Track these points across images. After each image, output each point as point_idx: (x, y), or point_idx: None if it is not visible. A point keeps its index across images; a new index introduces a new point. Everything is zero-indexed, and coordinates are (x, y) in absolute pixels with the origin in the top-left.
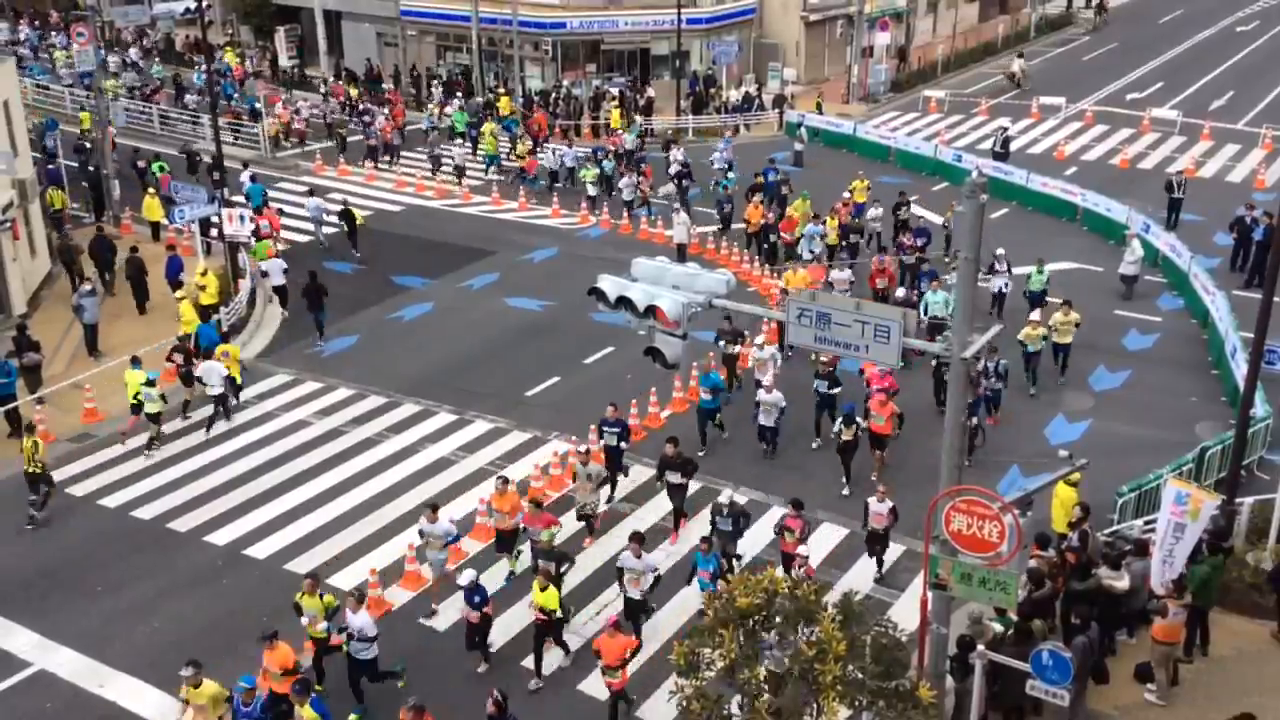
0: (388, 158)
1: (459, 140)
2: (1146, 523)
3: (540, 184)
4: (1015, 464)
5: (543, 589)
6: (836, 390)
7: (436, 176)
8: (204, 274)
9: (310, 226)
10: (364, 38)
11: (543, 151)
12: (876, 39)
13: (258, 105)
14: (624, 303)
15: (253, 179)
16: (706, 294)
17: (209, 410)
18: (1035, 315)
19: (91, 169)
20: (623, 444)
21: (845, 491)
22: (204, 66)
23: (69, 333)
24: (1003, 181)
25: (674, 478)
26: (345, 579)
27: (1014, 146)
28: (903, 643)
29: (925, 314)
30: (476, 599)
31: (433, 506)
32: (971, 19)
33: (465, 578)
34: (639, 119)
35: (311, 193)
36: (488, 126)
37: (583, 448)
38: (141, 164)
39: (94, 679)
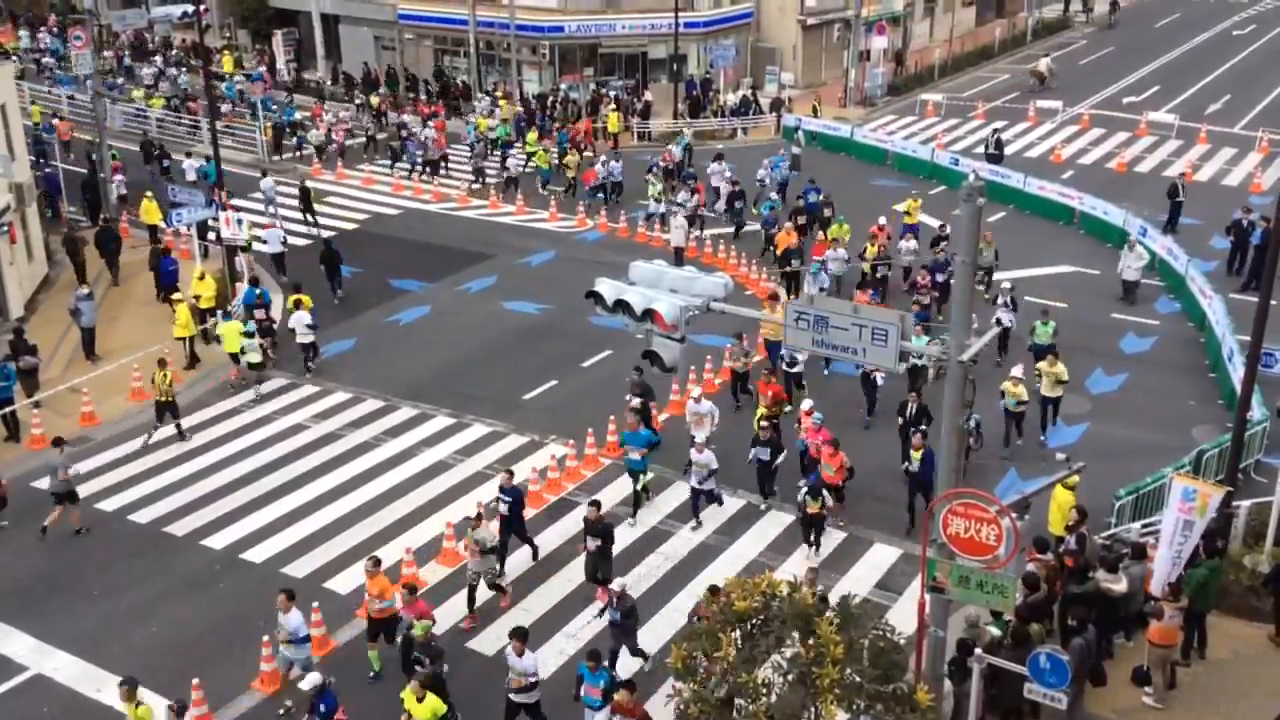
0: (431, 170)
1: (514, 151)
2: (1144, 526)
3: (599, 195)
4: (1013, 467)
5: (419, 698)
6: (779, 459)
7: (487, 191)
8: (201, 278)
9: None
10: (361, 41)
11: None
12: (873, 43)
13: (297, 117)
14: (622, 306)
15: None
16: (704, 297)
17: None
18: (1018, 370)
19: (86, 172)
20: (515, 514)
21: (813, 562)
22: (239, 78)
23: (66, 336)
24: (1000, 185)
25: (593, 543)
26: (342, 583)
27: (1011, 150)
28: (900, 646)
29: None
30: (323, 708)
31: (287, 594)
32: (968, 23)
33: (309, 682)
34: (686, 131)
35: (264, 174)
36: (531, 136)
37: (474, 510)
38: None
39: (91, 683)
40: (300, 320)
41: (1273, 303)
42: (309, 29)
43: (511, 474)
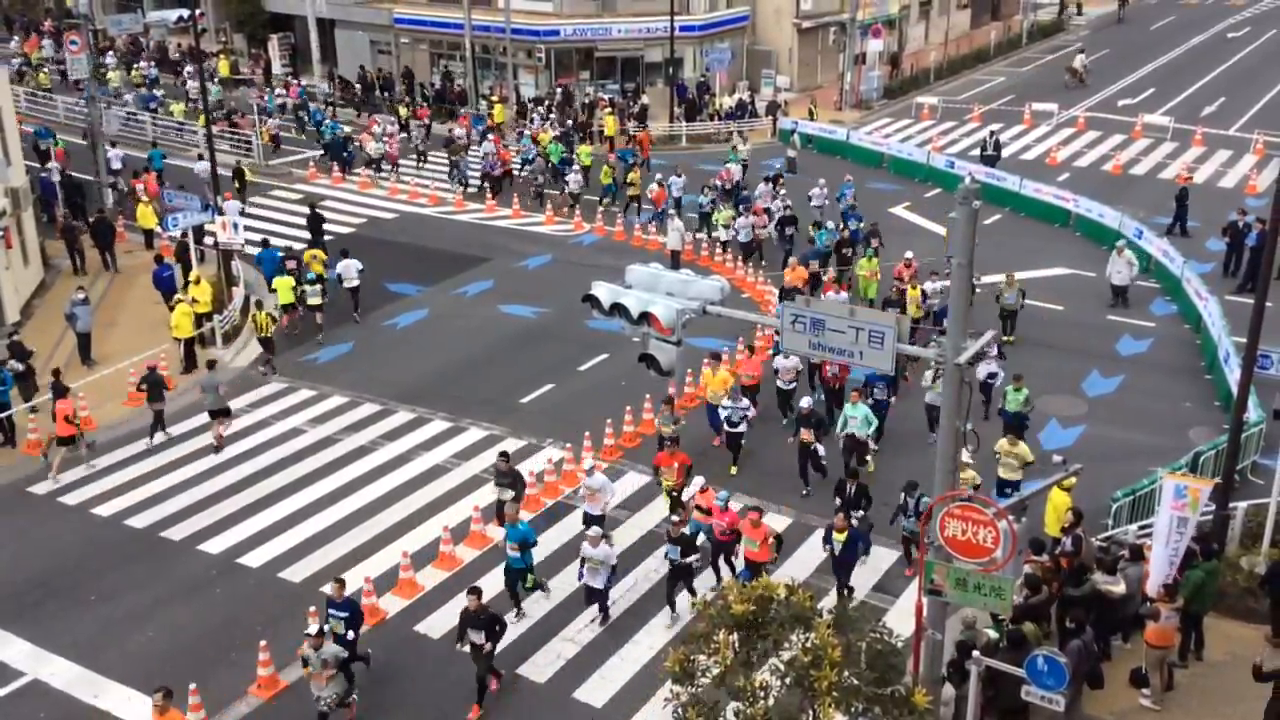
0: (493, 189)
1: (576, 170)
2: (1141, 528)
3: (664, 217)
4: None
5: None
6: (692, 558)
7: (548, 211)
8: (197, 282)
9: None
10: (357, 45)
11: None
12: (869, 46)
13: (342, 131)
14: (618, 309)
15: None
16: (701, 300)
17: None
18: (967, 455)
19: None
20: (351, 632)
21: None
22: (280, 90)
23: (62, 341)
24: (996, 187)
25: (477, 637)
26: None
27: (1007, 152)
28: (898, 649)
29: (841, 429)
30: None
31: (339, 582)
32: (963, 26)
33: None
34: (742, 146)
35: (201, 158)
36: (584, 149)
37: (311, 628)
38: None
39: (88, 689)
40: (351, 267)
41: (1268, 304)
42: (304, 33)
43: (341, 582)
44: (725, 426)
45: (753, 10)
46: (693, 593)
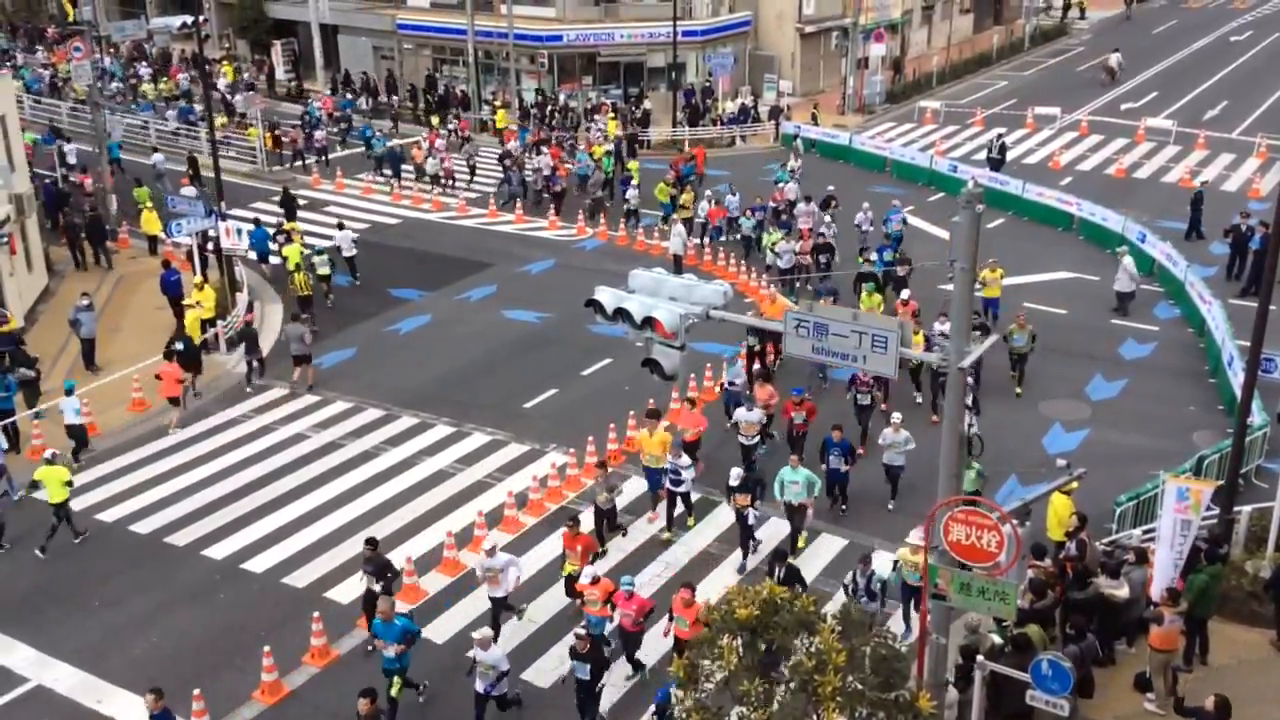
0: (556, 207)
1: (634, 186)
2: (1145, 532)
3: (720, 237)
4: (1013, 474)
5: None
6: (600, 683)
7: (596, 228)
8: (201, 287)
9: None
10: (360, 51)
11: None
12: (871, 50)
13: (391, 144)
14: (621, 314)
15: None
16: (704, 305)
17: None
18: (914, 536)
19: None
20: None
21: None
22: (316, 102)
23: (66, 347)
24: (999, 191)
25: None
26: (343, 592)
27: (1010, 156)
28: (902, 653)
29: (780, 494)
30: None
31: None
32: (966, 30)
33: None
34: (792, 162)
35: (155, 150)
36: (634, 165)
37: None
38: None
39: (92, 694)
40: (346, 237)
41: (1272, 308)
42: (308, 39)
43: (159, 694)
44: (668, 486)
45: (755, 15)
46: None
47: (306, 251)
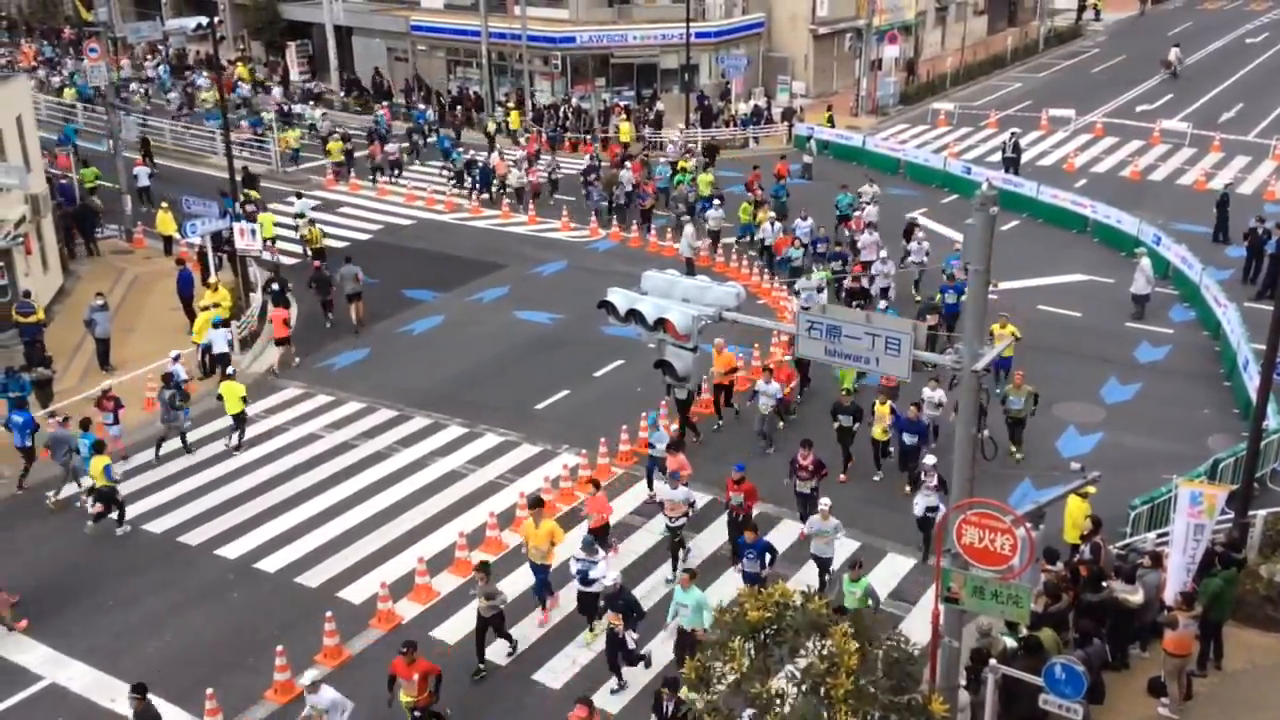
0: (645, 222)
1: (716, 204)
2: (1160, 535)
3: (786, 265)
4: (1027, 477)
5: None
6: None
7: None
8: (215, 289)
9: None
10: (374, 53)
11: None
12: (885, 52)
13: (454, 151)
14: (634, 316)
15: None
16: (716, 307)
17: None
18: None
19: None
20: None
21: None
22: (381, 111)
23: (81, 347)
24: (1013, 194)
25: None
26: (355, 592)
27: (1024, 158)
28: (915, 656)
29: (671, 617)
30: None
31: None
32: (980, 32)
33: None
34: (868, 188)
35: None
36: (704, 179)
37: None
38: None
39: (105, 693)
40: (306, 205)
41: None
42: (322, 40)
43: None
44: (579, 585)
45: (768, 17)
46: None
47: (278, 220)
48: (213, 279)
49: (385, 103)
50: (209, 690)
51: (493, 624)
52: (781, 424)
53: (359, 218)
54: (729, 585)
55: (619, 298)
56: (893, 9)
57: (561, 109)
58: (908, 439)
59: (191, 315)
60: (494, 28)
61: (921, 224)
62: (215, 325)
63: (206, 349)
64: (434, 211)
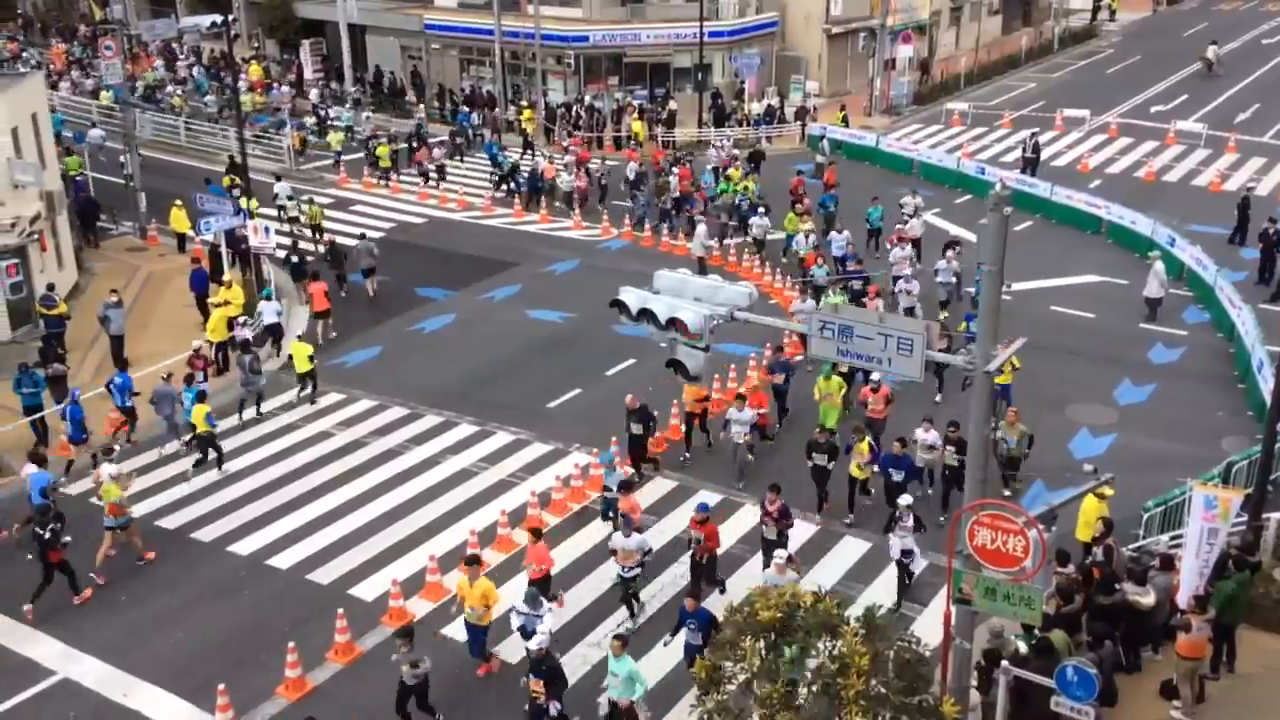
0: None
1: (761, 213)
2: (1173, 538)
3: (815, 280)
4: (1039, 478)
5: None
6: None
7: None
8: (229, 286)
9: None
10: (388, 52)
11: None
12: (899, 52)
13: (500, 155)
14: (646, 315)
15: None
16: (728, 306)
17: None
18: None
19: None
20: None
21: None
22: (420, 115)
23: (95, 343)
24: (1027, 194)
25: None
26: (367, 589)
27: (1039, 158)
28: (926, 658)
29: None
30: None
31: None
32: (995, 32)
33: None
34: (910, 199)
35: (94, 125)
36: (750, 184)
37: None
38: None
39: (117, 688)
40: (284, 188)
41: None
42: (336, 39)
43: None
44: (523, 640)
45: (782, 16)
46: None
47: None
48: (226, 276)
49: (422, 104)
50: (220, 686)
51: (415, 692)
52: (766, 442)
53: (371, 216)
54: (739, 585)
55: (631, 297)
56: (907, 8)
57: (574, 108)
58: (894, 475)
59: (205, 312)
60: (507, 27)
61: (962, 242)
62: (266, 298)
63: (222, 347)
64: (446, 210)
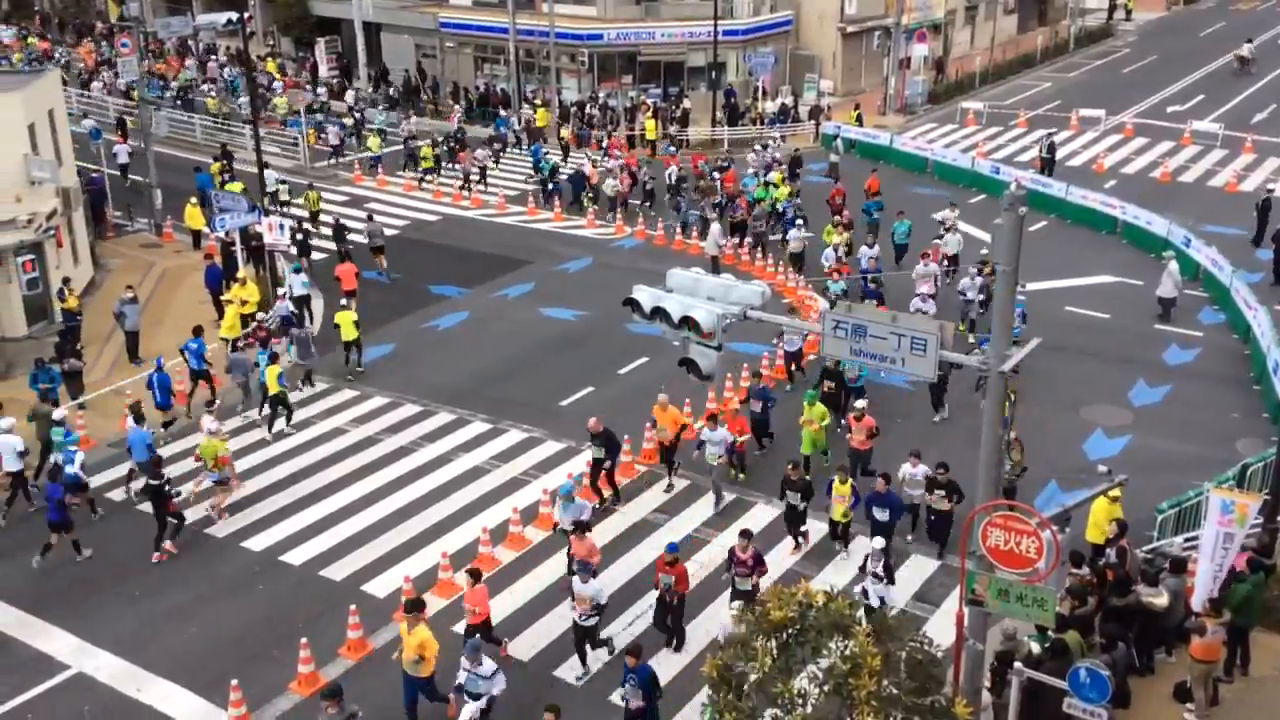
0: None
1: (800, 225)
2: (1187, 539)
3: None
4: (1053, 479)
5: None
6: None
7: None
8: (244, 283)
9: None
10: (403, 50)
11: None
12: (914, 50)
13: (544, 159)
14: (659, 313)
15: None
16: (741, 305)
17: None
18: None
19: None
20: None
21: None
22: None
23: (110, 339)
24: (1042, 194)
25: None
26: (379, 586)
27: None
28: (938, 658)
29: None
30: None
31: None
32: (1010, 31)
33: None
34: (950, 214)
35: (85, 115)
36: (784, 193)
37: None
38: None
39: (131, 682)
40: (271, 176)
41: None
42: (351, 37)
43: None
44: (467, 699)
45: (796, 15)
46: None
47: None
48: (241, 273)
49: (457, 106)
50: (233, 681)
51: None
52: (741, 474)
53: (385, 213)
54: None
55: (644, 295)
56: (922, 7)
57: (588, 107)
58: (878, 514)
59: (221, 309)
60: (522, 25)
61: (991, 265)
62: (295, 271)
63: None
64: (460, 208)
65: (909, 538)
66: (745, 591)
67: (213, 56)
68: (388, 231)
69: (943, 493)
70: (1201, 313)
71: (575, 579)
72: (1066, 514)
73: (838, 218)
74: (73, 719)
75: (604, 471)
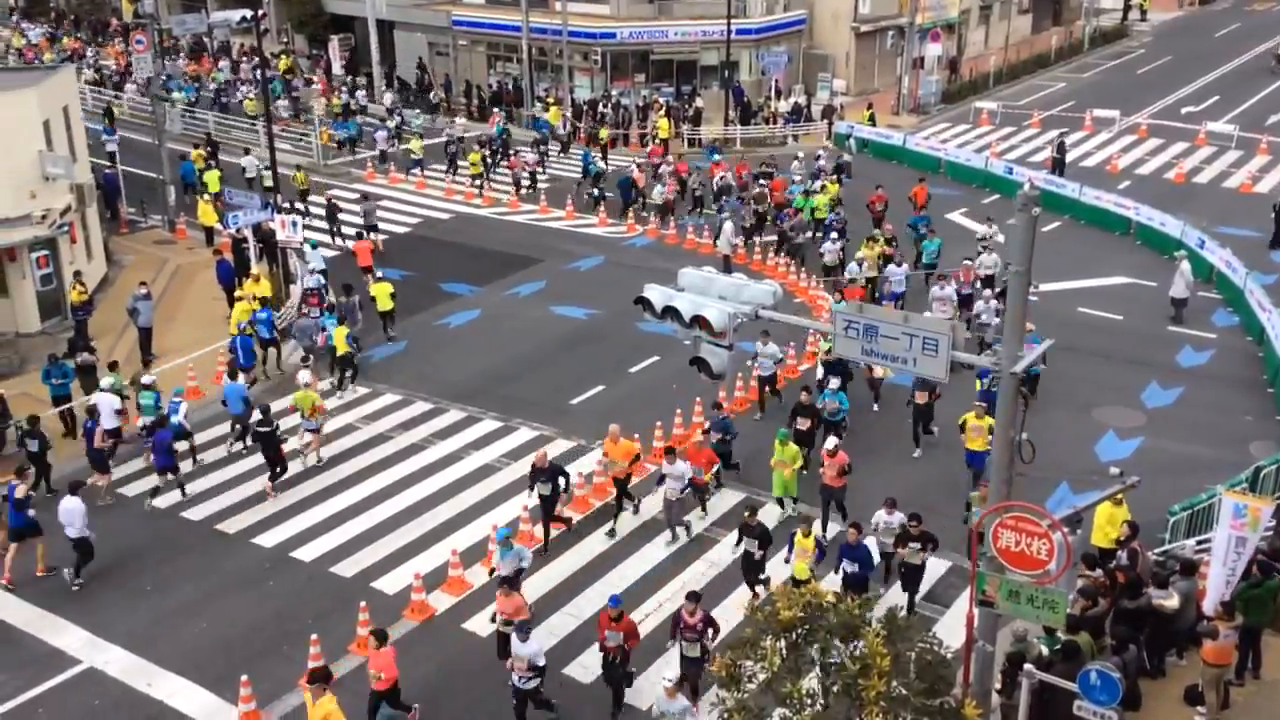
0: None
1: (835, 236)
2: (1199, 542)
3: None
4: (1064, 481)
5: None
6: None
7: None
8: (257, 280)
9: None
10: (415, 47)
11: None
12: (928, 50)
13: (592, 163)
14: (670, 312)
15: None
16: (753, 305)
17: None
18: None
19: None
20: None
21: None
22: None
23: (123, 335)
24: (1056, 195)
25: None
26: (390, 583)
27: (1068, 159)
28: (948, 660)
29: None
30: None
31: None
32: (1024, 31)
33: None
34: (987, 229)
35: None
36: (824, 200)
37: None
38: None
39: (142, 677)
40: (251, 162)
41: None
42: (364, 34)
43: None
44: None
45: (810, 14)
46: None
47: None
48: (254, 269)
49: (497, 110)
50: (244, 677)
51: None
52: (702, 513)
53: (397, 211)
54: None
55: (655, 294)
56: (936, 7)
57: (600, 105)
58: (848, 567)
59: (233, 305)
60: (535, 23)
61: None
62: (314, 247)
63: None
64: (471, 206)
65: (881, 590)
66: (696, 659)
67: (227, 56)
68: (399, 230)
69: (917, 545)
70: (1215, 315)
71: (513, 638)
72: (1078, 516)
73: (878, 231)
74: (84, 714)
75: (552, 508)
